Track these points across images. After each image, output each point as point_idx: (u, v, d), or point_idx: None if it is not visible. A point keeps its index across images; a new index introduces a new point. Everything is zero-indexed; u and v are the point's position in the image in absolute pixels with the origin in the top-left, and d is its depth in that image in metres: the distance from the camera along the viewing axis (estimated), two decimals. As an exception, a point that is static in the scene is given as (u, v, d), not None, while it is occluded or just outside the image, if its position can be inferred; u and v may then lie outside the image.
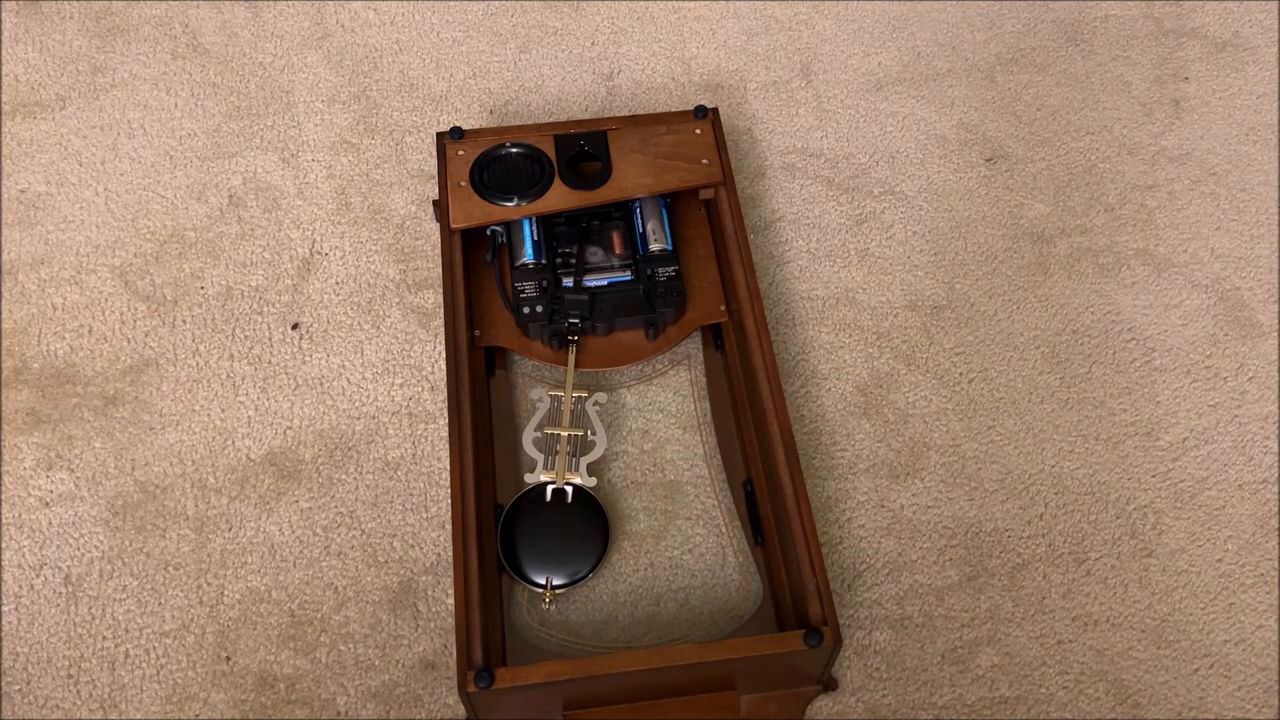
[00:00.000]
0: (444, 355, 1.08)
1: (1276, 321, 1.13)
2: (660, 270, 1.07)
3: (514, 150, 1.10)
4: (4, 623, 0.96)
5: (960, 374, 1.10)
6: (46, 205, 1.20)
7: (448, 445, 1.01)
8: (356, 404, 1.07)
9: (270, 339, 1.11)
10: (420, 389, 1.08)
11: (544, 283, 1.06)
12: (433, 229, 1.19)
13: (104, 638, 0.95)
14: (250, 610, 0.97)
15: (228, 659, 0.94)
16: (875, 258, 1.18)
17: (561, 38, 1.36)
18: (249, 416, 1.07)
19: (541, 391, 1.06)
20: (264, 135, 1.26)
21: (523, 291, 1.06)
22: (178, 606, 0.97)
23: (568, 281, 1.07)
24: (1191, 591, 0.98)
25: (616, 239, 1.10)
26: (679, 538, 1.01)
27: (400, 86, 1.30)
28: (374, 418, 1.07)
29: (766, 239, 1.19)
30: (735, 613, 0.97)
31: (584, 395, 1.04)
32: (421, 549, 1.00)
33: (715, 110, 1.14)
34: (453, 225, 1.05)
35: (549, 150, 1.09)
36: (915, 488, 1.04)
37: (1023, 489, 1.04)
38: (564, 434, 1.01)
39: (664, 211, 1.11)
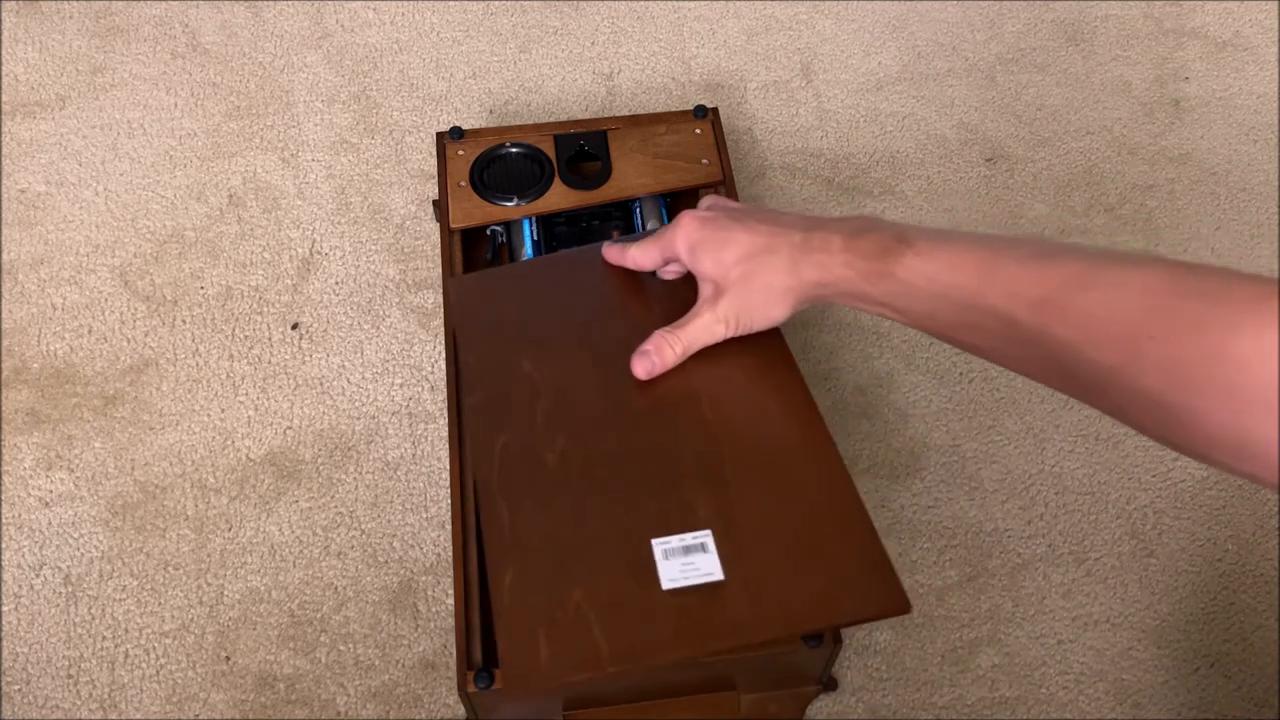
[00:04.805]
0: (444, 355, 1.08)
1: (1276, 321, 1.13)
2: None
3: (514, 150, 1.10)
4: (4, 623, 0.96)
5: (960, 374, 1.10)
6: (46, 205, 1.20)
7: (448, 445, 1.01)
8: (356, 404, 1.07)
9: (270, 339, 1.11)
10: (420, 389, 1.08)
11: (544, 283, 1.06)
12: (433, 229, 1.19)
13: (104, 638, 0.95)
14: (250, 610, 0.96)
15: (227, 659, 0.94)
16: (875, 258, 1.18)
17: (561, 38, 1.36)
18: (249, 416, 1.07)
19: (541, 391, 1.06)
20: (264, 135, 1.26)
21: (523, 291, 1.05)
22: (177, 606, 0.97)
23: (568, 281, 1.07)
24: (1191, 591, 0.98)
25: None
26: (679, 538, 1.00)
27: (400, 86, 1.30)
28: (374, 418, 1.07)
29: (766, 239, 1.19)
30: (735, 613, 0.97)
31: (584, 395, 1.04)
32: (421, 549, 1.00)
33: (715, 110, 1.14)
34: (453, 225, 1.05)
35: (549, 150, 1.09)
36: (915, 488, 1.04)
37: (1023, 489, 1.04)
38: (564, 434, 1.01)
39: (664, 211, 1.11)
